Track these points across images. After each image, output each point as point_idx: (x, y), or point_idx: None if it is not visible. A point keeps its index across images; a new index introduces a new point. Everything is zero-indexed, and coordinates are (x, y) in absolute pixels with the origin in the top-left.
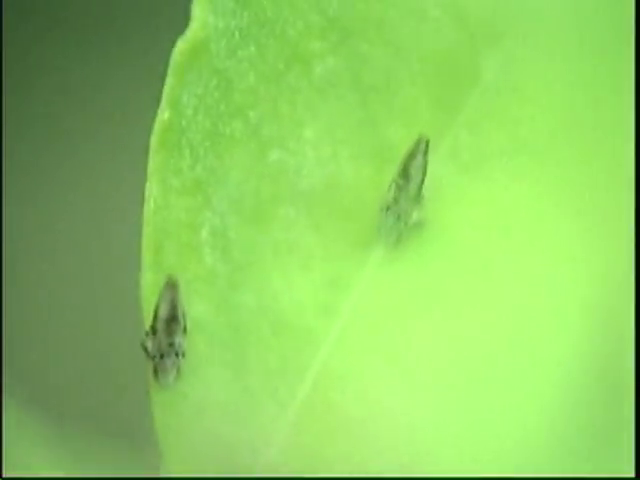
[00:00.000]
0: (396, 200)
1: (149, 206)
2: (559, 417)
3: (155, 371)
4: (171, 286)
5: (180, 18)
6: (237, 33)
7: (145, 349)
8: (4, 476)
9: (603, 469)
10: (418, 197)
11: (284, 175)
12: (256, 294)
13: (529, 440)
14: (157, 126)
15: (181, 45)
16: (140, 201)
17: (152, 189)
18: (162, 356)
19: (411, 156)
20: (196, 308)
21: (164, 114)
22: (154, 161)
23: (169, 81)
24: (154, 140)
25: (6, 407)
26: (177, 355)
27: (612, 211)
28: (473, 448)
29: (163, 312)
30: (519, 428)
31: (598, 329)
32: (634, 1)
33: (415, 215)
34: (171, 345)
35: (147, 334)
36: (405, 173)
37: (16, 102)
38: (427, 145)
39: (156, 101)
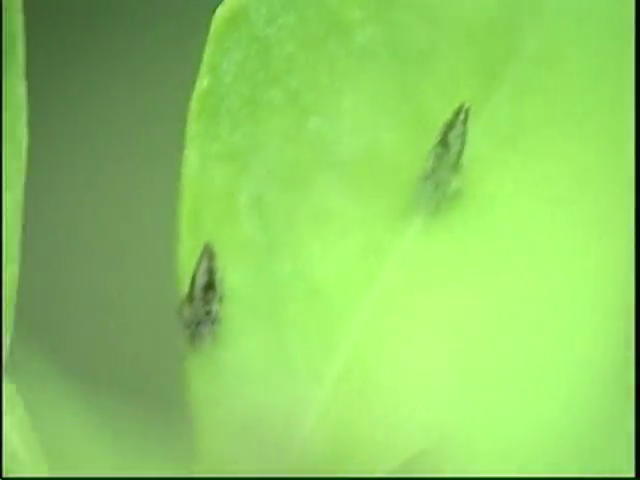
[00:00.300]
0: (435, 169)
1: (187, 173)
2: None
3: (191, 338)
4: (208, 254)
5: None
6: (277, 1)
7: (181, 316)
8: (3, 476)
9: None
10: (457, 166)
11: (322, 143)
12: (293, 262)
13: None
14: (196, 93)
15: (221, 12)
16: (178, 168)
17: (190, 156)
18: (198, 324)
19: (450, 125)
20: (233, 276)
21: (203, 81)
22: (193, 128)
23: (209, 48)
24: (193, 107)
25: (40, 375)
26: (213, 323)
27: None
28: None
29: (200, 280)
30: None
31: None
32: None
33: (454, 184)
34: (208, 313)
35: (184, 301)
36: (444, 142)
37: (48, 70)
38: (467, 114)
39: (196, 68)
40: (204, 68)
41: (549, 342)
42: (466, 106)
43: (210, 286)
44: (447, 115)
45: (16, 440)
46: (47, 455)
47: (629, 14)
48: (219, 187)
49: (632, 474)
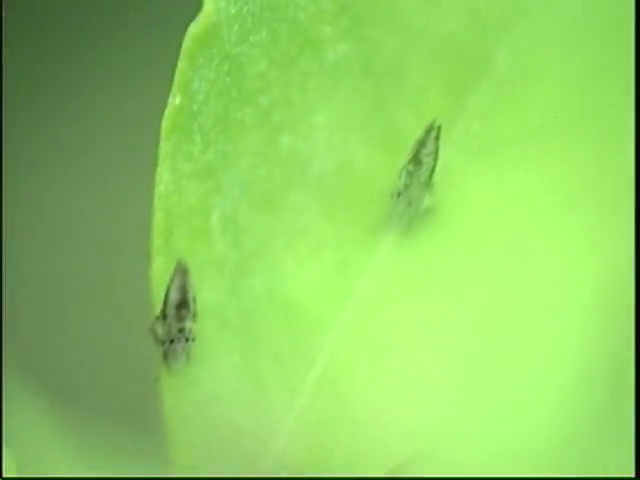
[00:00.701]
0: (407, 186)
1: (160, 191)
2: (559, 417)
3: (165, 356)
4: (181, 271)
5: (192, 3)
6: (249, 18)
7: (155, 334)
8: (4, 476)
9: (603, 469)
10: (429, 183)
11: (295, 161)
12: (266, 279)
13: (529, 439)
14: (168, 111)
15: (193, 30)
16: (151, 186)
17: (163, 174)
18: (172, 341)
19: (422, 142)
20: (206, 293)
21: (175, 99)
22: (165, 146)
23: (181, 66)
24: (165, 125)
25: (15, 392)
26: (187, 340)
27: (622, 202)
28: (477, 444)
29: (173, 297)
30: (520, 424)
31: (603, 323)
32: None
33: (426, 201)
34: (181, 330)
35: (157, 319)
36: (416, 159)
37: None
38: (439, 131)
39: (168, 86)
40: (176, 86)
41: (532, 351)
42: (438, 123)
43: (183, 303)
44: (419, 132)
45: None
46: (20, 469)
47: (602, 27)
48: (192, 205)
49: (632, 474)
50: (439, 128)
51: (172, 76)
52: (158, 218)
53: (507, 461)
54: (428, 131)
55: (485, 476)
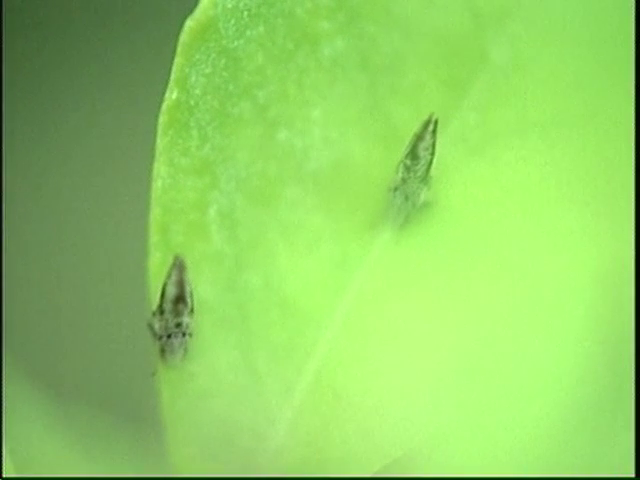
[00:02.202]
0: (404, 180)
1: (157, 186)
2: (558, 416)
3: (162, 351)
4: (178, 266)
5: None
6: (246, 13)
7: (152, 329)
8: (4, 476)
9: (603, 469)
10: (426, 178)
11: (292, 155)
12: (263, 274)
13: (527, 437)
14: (165, 106)
15: (190, 24)
16: (148, 181)
17: (160, 169)
18: (169, 336)
19: (419, 137)
20: (203, 288)
21: (172, 94)
22: (162, 141)
23: (177, 61)
24: (162, 120)
25: (11, 388)
26: (184, 335)
27: (621, 195)
28: (475, 441)
29: (170, 292)
30: (518, 422)
31: (605, 318)
32: None
33: (423, 196)
34: (178, 325)
35: (154, 314)
36: (413, 154)
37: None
38: (435, 126)
39: (164, 81)
40: (173, 81)
41: (523, 346)
42: (435, 117)
43: (180, 298)
44: (416, 126)
45: None
46: (16, 466)
47: (599, 22)
48: (189, 200)
49: (632, 474)
50: (436, 122)
51: (169, 71)
52: (155, 213)
53: (504, 460)
54: (425, 125)
55: (482, 476)
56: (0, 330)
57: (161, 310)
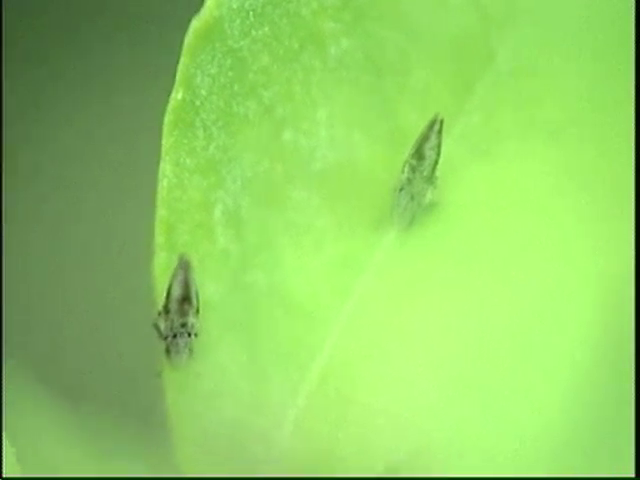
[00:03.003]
0: (410, 181)
1: (162, 186)
2: (558, 417)
3: (168, 351)
4: (184, 266)
5: None
6: (251, 13)
7: (157, 329)
8: (4, 476)
9: (603, 469)
10: (432, 178)
11: (297, 155)
12: (268, 274)
13: (531, 437)
14: (171, 106)
15: (195, 25)
16: (154, 181)
17: (165, 169)
18: (175, 336)
19: (425, 137)
20: (208, 288)
21: (178, 94)
22: (168, 141)
23: (183, 61)
24: (168, 120)
25: (17, 388)
26: (190, 335)
27: (625, 196)
28: (479, 442)
29: (176, 292)
30: (522, 422)
31: (608, 319)
32: None
33: (429, 196)
34: (184, 325)
35: (159, 314)
36: (419, 154)
37: (23, 83)
38: (441, 126)
39: (170, 81)
40: (179, 81)
41: (529, 348)
42: (440, 117)
43: (186, 298)
44: (421, 126)
45: None
46: (23, 468)
47: (605, 24)
48: (194, 200)
49: (632, 474)
50: (442, 122)
51: (174, 71)
52: (161, 213)
53: (509, 460)
54: (431, 125)
55: (486, 476)
56: (2, 330)
57: (167, 310)
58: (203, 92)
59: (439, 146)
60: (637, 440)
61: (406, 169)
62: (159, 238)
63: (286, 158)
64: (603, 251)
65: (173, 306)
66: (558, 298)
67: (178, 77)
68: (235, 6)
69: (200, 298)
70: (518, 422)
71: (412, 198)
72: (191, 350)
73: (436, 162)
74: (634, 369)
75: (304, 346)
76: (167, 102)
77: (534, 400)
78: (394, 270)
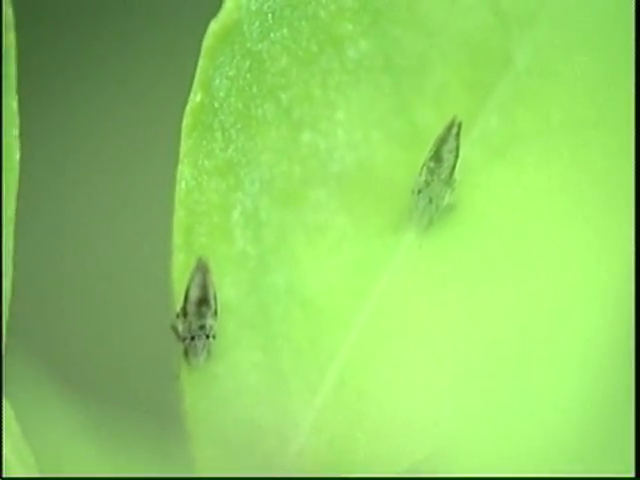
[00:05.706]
0: (428, 183)
1: (181, 188)
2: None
3: (186, 353)
4: (202, 268)
5: (213, 0)
6: (270, 15)
7: (175, 331)
8: (4, 476)
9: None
10: (450, 180)
11: (315, 157)
12: (286, 276)
13: (545, 438)
14: (189, 108)
15: (214, 27)
16: (172, 183)
17: (184, 171)
18: (193, 338)
19: (443, 139)
20: (226, 290)
21: (196, 96)
22: (186, 143)
23: (202, 63)
24: (186, 122)
25: (36, 390)
26: (208, 337)
27: None
28: (498, 442)
29: (194, 294)
30: (536, 424)
31: (618, 321)
32: None
33: (447, 198)
34: (202, 327)
35: (178, 316)
36: (437, 156)
37: (40, 86)
38: (459, 128)
39: (189, 83)
40: (197, 83)
41: (545, 350)
42: (458, 120)
43: (204, 300)
44: (439, 129)
45: (9, 452)
46: (40, 466)
47: (622, 24)
48: (213, 202)
49: (632, 474)
50: (460, 125)
51: (193, 73)
52: (179, 215)
53: (523, 461)
54: (449, 128)
55: (501, 476)
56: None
57: (185, 312)
58: (222, 94)
59: (457, 149)
60: (637, 440)
61: (424, 172)
62: (177, 240)
63: (304, 160)
64: (624, 250)
65: (191, 308)
66: (578, 300)
67: (197, 79)
68: (254, 8)
69: (218, 300)
70: (534, 424)
71: (430, 201)
72: (209, 352)
73: (454, 165)
74: (634, 369)
75: (322, 347)
76: (186, 104)
77: (550, 402)
78: (412, 272)
